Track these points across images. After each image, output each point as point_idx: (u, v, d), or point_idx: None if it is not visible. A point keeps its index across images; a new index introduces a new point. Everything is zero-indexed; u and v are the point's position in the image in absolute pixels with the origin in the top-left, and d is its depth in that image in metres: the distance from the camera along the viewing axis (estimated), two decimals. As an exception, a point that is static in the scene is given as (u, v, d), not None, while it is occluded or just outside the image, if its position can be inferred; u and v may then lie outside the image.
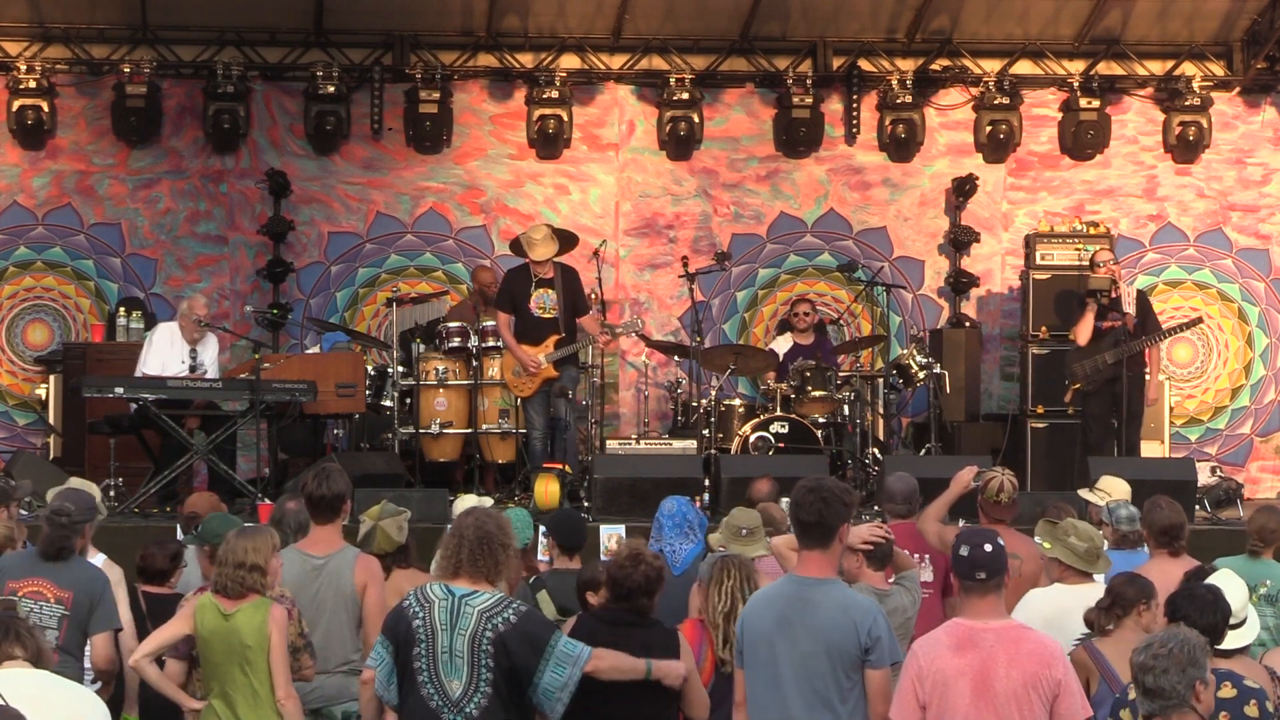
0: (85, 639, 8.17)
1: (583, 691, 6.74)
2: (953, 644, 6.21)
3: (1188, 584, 6.73)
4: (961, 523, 10.58)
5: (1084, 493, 10.74)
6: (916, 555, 9.43)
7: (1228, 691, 6.10)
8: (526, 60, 16.89)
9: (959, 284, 17.16)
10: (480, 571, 6.71)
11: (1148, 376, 14.54)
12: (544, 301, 14.16)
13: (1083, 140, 17.06)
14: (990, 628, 6.20)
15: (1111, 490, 10.56)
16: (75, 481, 9.69)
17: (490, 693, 6.58)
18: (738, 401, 15.27)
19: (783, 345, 15.76)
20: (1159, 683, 5.48)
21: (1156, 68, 17.27)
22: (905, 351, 15.58)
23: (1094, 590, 7.92)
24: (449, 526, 7.02)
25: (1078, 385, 14.55)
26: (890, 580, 8.35)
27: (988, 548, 6.27)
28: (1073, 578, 8.04)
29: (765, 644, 6.48)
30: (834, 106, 17.18)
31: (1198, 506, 13.69)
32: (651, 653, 7.13)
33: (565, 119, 16.67)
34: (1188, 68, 17.18)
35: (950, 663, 6.18)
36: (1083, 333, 14.61)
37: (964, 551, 6.28)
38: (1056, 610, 7.58)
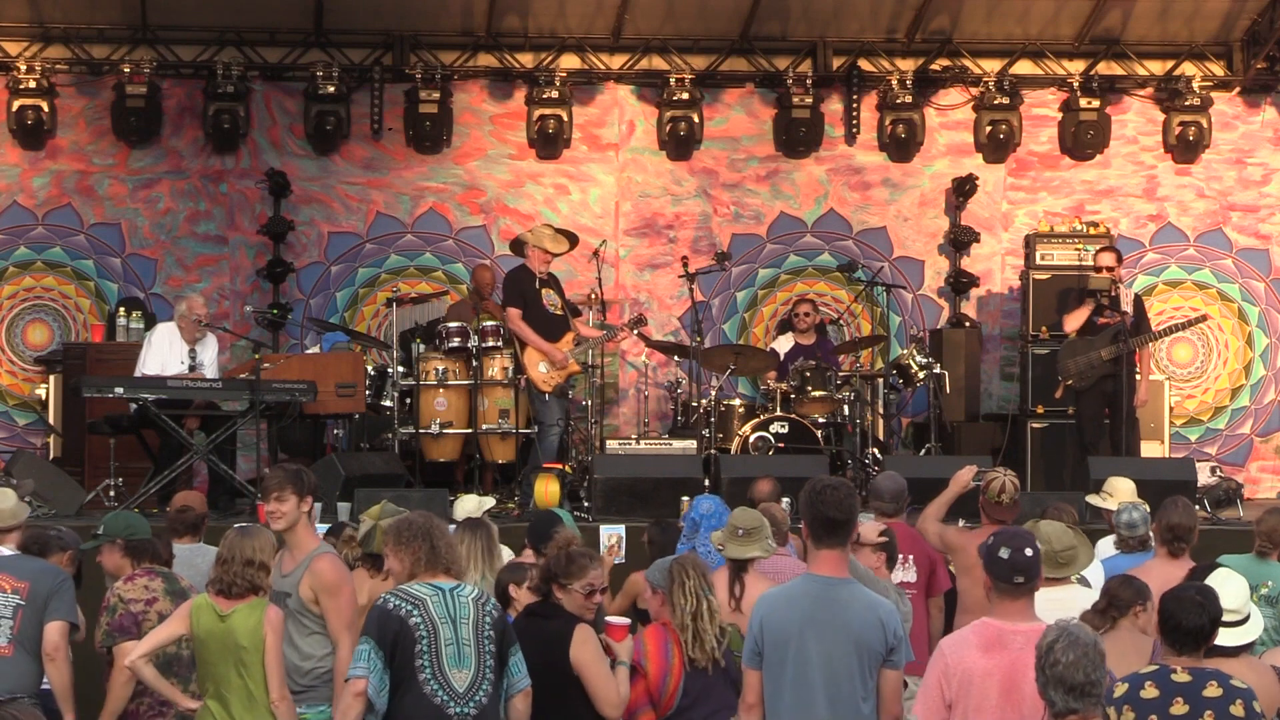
0: (41, 632, 8.29)
1: None
2: (981, 644, 6.23)
3: (1177, 585, 6.72)
4: (961, 523, 10.61)
5: (1092, 498, 10.71)
6: (900, 555, 9.45)
7: (1213, 690, 6.10)
8: (526, 60, 16.89)
9: (959, 284, 17.16)
10: (457, 567, 6.93)
11: (1138, 377, 14.54)
12: (553, 299, 14.27)
13: (1083, 140, 17.06)
14: (1019, 630, 6.21)
15: (1116, 492, 10.53)
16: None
17: (494, 679, 6.77)
18: (738, 401, 15.26)
19: (783, 345, 15.76)
20: (1091, 677, 5.48)
21: (1156, 68, 17.28)
22: (905, 351, 15.57)
23: (1066, 592, 7.91)
24: (398, 531, 7.03)
25: (1069, 382, 14.55)
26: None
27: (1028, 552, 6.28)
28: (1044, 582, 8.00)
29: (793, 643, 6.47)
30: (834, 106, 17.18)
31: (1198, 506, 13.65)
32: (545, 641, 7.24)
33: (565, 119, 16.67)
34: (1188, 68, 17.18)
35: (978, 663, 6.19)
36: (1071, 322, 14.63)
37: (1004, 554, 6.27)
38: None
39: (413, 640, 6.66)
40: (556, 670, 7.27)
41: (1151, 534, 9.43)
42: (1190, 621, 6.26)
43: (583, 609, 7.56)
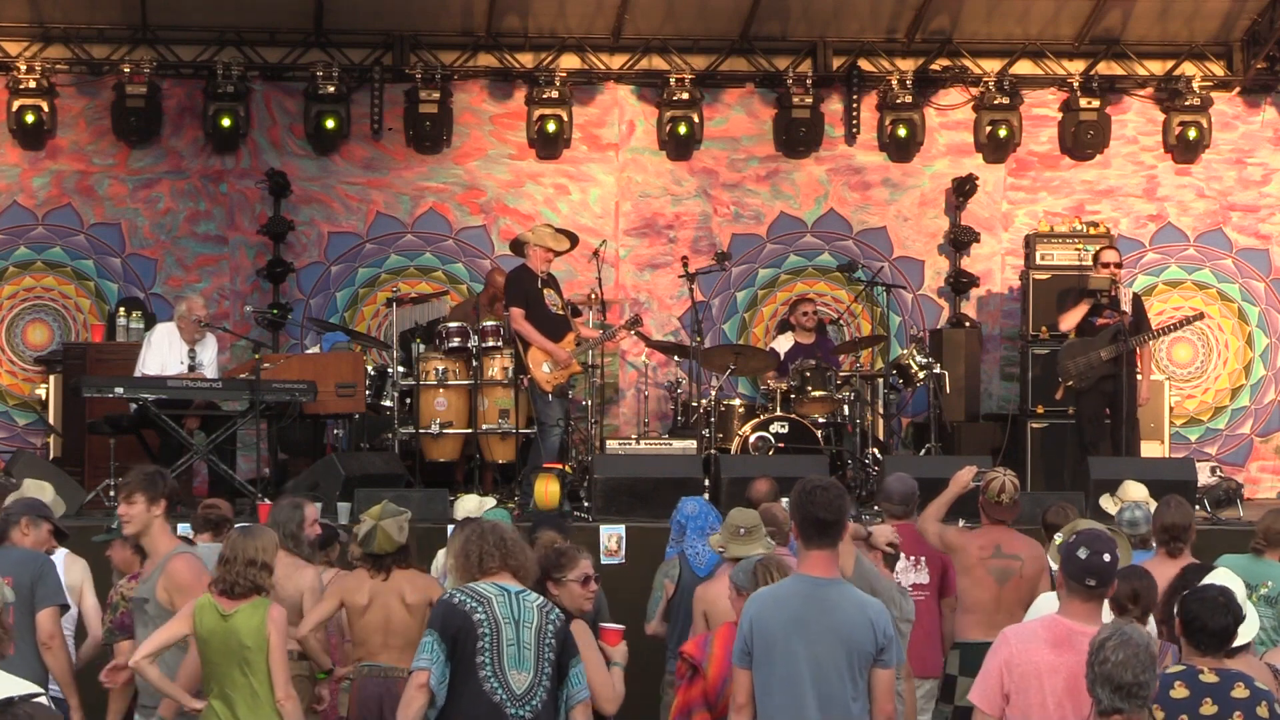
0: (35, 622, 8.28)
1: None
2: (1051, 639, 6.22)
3: (1198, 587, 6.72)
4: (961, 523, 10.60)
5: (1105, 501, 10.70)
6: (912, 557, 9.44)
7: (1240, 692, 6.11)
8: (526, 60, 16.89)
9: (959, 284, 17.16)
10: (523, 570, 6.90)
11: (1139, 377, 14.54)
12: (554, 299, 14.28)
13: (1083, 140, 17.06)
14: (1089, 632, 6.19)
15: (1129, 497, 10.51)
16: (29, 484, 9.72)
17: (549, 686, 6.75)
18: (738, 401, 15.25)
19: (783, 345, 15.75)
20: (1139, 679, 5.48)
21: (1156, 68, 17.28)
22: (905, 351, 15.56)
23: None
24: (457, 535, 7.04)
25: (1069, 383, 14.54)
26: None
27: (1106, 558, 6.27)
28: None
29: (781, 644, 6.45)
30: (834, 106, 17.18)
31: (1198, 506, 13.64)
32: None
33: (565, 119, 16.67)
34: (1188, 68, 17.18)
35: (1045, 658, 6.19)
36: (1067, 321, 14.65)
37: (1082, 554, 6.26)
38: None
39: (475, 636, 6.65)
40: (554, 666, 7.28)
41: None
42: (1215, 622, 6.27)
43: (581, 599, 7.60)
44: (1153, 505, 10.02)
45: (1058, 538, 8.07)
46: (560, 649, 6.80)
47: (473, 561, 6.88)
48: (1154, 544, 9.20)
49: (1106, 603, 7.17)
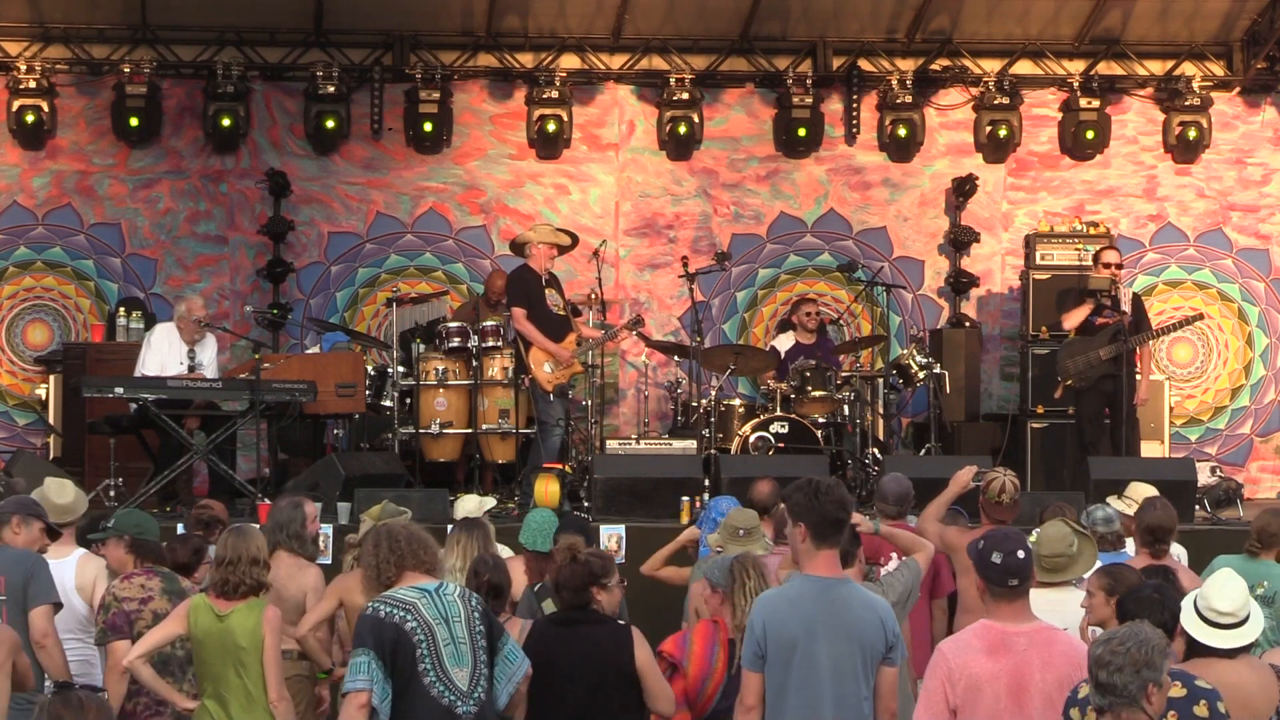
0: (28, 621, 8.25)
1: (542, 680, 7.04)
2: (985, 647, 6.21)
3: (1135, 586, 6.73)
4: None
5: (1113, 501, 10.70)
6: (905, 557, 9.42)
7: (1177, 691, 6.08)
8: (526, 60, 16.89)
9: (959, 284, 17.16)
10: (426, 565, 6.89)
11: (1138, 376, 14.54)
12: (555, 299, 14.30)
13: (1083, 140, 17.06)
14: (1022, 631, 6.20)
15: (1140, 498, 10.52)
16: (50, 483, 9.69)
17: (488, 673, 6.78)
18: (738, 401, 15.25)
19: (783, 344, 15.75)
20: (1112, 679, 5.47)
21: (1156, 68, 17.28)
22: (905, 351, 15.56)
23: (1064, 594, 7.91)
24: (366, 545, 7.12)
25: (1068, 382, 14.54)
26: (889, 564, 8.39)
27: (1020, 554, 6.28)
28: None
29: (800, 646, 6.43)
30: (834, 106, 17.18)
31: (1198, 506, 13.66)
32: (600, 648, 7.20)
33: (565, 119, 16.67)
34: (1188, 68, 17.18)
35: (984, 666, 6.17)
36: (1070, 320, 14.65)
37: (996, 559, 6.25)
38: None
39: (412, 645, 6.64)
40: (609, 675, 7.28)
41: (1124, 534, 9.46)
42: (1151, 620, 6.26)
43: (617, 605, 7.61)
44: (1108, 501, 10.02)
45: (1035, 534, 8.07)
46: (488, 632, 6.82)
47: (371, 578, 6.93)
48: (1133, 543, 9.19)
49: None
